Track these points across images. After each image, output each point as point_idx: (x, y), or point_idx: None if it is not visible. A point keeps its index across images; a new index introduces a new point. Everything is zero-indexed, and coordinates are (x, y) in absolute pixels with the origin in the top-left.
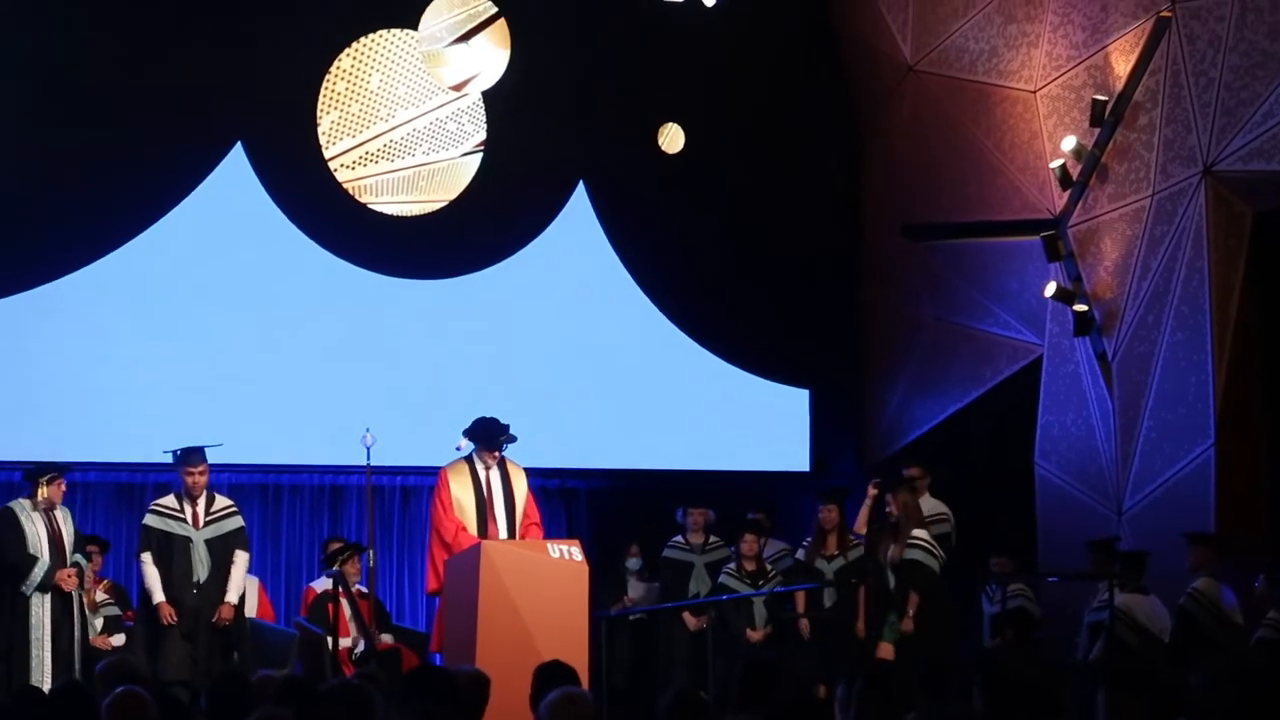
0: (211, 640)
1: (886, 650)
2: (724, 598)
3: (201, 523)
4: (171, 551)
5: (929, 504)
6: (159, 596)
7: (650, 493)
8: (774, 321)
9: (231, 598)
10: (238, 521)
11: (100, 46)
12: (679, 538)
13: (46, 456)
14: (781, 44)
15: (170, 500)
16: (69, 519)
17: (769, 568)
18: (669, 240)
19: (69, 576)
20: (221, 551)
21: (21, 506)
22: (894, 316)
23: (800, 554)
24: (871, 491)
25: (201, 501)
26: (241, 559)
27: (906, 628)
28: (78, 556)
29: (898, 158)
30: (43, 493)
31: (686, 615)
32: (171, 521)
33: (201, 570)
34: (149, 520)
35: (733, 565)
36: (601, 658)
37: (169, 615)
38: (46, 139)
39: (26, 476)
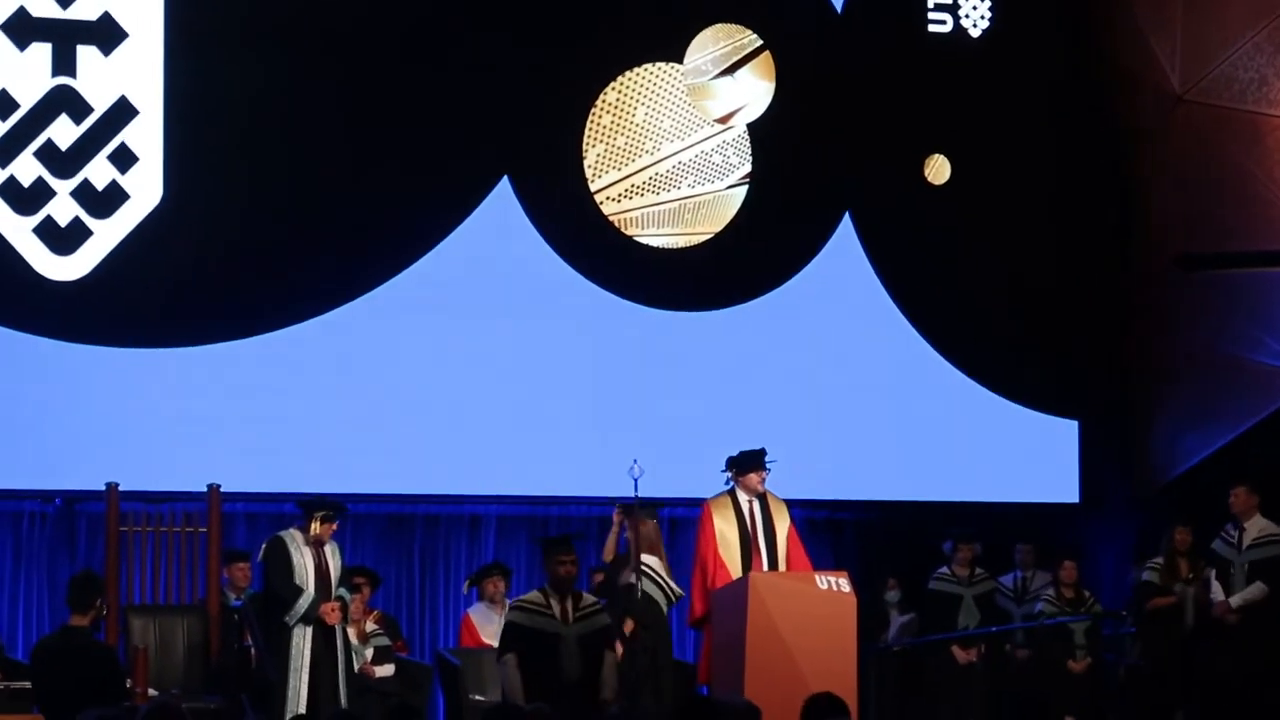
0: None
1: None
2: (993, 629)
3: (571, 618)
4: (539, 650)
5: (1260, 523)
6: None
7: (913, 525)
8: (1042, 352)
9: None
10: (606, 618)
11: (369, 83)
12: (944, 569)
13: (317, 488)
14: (1047, 74)
15: (536, 596)
16: (337, 553)
17: (1087, 594)
18: (936, 271)
19: (332, 610)
20: (593, 649)
21: (292, 537)
22: (1164, 347)
23: (1148, 575)
24: (616, 518)
25: (570, 596)
26: (610, 660)
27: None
28: (342, 590)
29: (1166, 188)
30: (315, 528)
31: (956, 649)
32: (539, 618)
33: (574, 670)
34: (513, 617)
35: (1050, 592)
36: (871, 691)
37: None
38: (317, 171)
39: (302, 507)
